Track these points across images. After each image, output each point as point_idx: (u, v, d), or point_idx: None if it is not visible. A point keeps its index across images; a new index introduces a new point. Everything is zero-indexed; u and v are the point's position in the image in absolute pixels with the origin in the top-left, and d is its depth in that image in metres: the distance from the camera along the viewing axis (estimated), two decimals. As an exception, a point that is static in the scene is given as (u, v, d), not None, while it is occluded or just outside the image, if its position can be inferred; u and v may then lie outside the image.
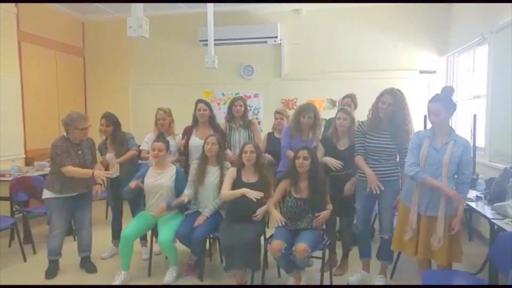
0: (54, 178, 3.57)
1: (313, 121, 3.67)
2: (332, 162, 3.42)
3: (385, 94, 3.15)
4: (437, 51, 6.00)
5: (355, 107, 4.24)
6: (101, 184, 3.76)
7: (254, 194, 3.32)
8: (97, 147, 4.04)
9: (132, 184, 3.54)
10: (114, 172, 3.97)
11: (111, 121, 4.03)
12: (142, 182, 3.65)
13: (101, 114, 4.10)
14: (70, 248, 3.91)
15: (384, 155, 3.22)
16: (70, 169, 3.48)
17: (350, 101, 4.23)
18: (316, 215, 3.22)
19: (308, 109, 3.66)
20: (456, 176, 2.79)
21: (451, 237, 2.75)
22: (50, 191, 3.57)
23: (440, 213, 2.74)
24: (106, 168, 4.13)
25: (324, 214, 3.24)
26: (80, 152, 3.62)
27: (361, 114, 3.54)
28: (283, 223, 3.21)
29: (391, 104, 3.11)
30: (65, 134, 3.61)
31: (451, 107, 2.78)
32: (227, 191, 3.45)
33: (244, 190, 3.38)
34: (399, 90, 3.18)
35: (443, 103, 2.76)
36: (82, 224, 3.77)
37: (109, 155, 4.03)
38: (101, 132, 4.04)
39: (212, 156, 3.66)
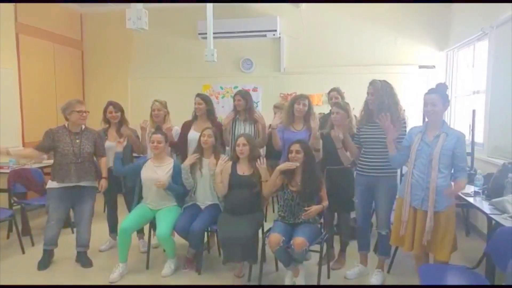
0: (52, 166, 3.71)
1: (307, 109, 3.78)
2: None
3: (368, 86, 3.30)
4: (436, 46, 5.99)
5: (343, 99, 4.28)
6: (106, 178, 3.77)
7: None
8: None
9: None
10: (108, 162, 3.93)
11: (119, 108, 4.06)
12: (139, 173, 3.67)
13: (99, 107, 4.13)
14: (68, 241, 3.92)
15: (378, 146, 3.22)
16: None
17: (336, 94, 4.30)
18: (306, 209, 3.18)
19: (302, 97, 3.82)
20: (452, 171, 2.80)
21: (444, 232, 2.76)
22: (51, 180, 3.64)
23: (430, 208, 2.75)
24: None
25: (315, 208, 3.20)
26: (78, 141, 3.63)
27: (358, 109, 3.54)
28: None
29: (372, 94, 3.24)
30: (65, 123, 3.67)
31: (447, 101, 2.84)
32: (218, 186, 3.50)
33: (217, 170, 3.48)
34: (382, 81, 3.27)
35: (441, 95, 2.80)
36: (81, 218, 3.74)
37: (109, 144, 3.98)
38: (110, 118, 4.04)
39: (208, 148, 3.66)
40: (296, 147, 3.26)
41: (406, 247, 2.93)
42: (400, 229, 2.93)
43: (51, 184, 3.65)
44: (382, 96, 3.18)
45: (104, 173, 3.79)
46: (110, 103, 4.07)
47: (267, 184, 3.37)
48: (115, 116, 4.03)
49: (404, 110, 3.28)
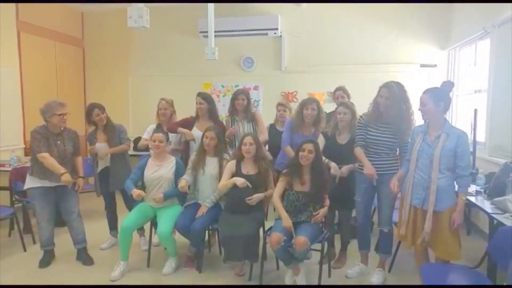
0: (32, 163, 3.59)
1: (317, 113, 3.73)
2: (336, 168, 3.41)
3: (382, 88, 3.18)
4: (438, 44, 5.97)
5: (348, 98, 4.27)
6: (83, 178, 3.74)
7: (242, 182, 3.35)
8: (86, 137, 4.03)
9: (135, 193, 3.47)
10: (104, 162, 4.00)
11: (103, 109, 4.02)
12: (142, 175, 3.66)
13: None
14: (69, 239, 3.91)
15: (384, 148, 3.22)
16: (46, 157, 3.43)
17: (342, 93, 4.31)
18: (314, 214, 3.21)
19: (311, 101, 3.76)
20: (456, 171, 2.80)
21: (449, 232, 2.75)
22: (29, 175, 3.57)
23: (429, 209, 2.75)
24: (95, 157, 4.08)
25: (322, 212, 3.23)
26: (59, 142, 3.58)
27: (361, 107, 3.53)
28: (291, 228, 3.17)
29: (388, 98, 3.13)
30: (44, 123, 3.58)
31: (441, 100, 2.77)
32: (221, 183, 3.47)
33: (234, 179, 3.39)
34: (397, 83, 3.16)
35: (431, 94, 2.78)
36: (71, 215, 3.71)
37: (99, 145, 3.98)
38: (98, 121, 4.00)
39: (211, 149, 3.65)
40: (309, 146, 3.23)
41: (406, 243, 2.94)
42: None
43: (30, 183, 3.57)
44: (399, 103, 3.10)
45: (81, 172, 3.71)
46: (94, 106, 4.00)
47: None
48: (102, 118, 3.99)
49: (412, 111, 3.21)
